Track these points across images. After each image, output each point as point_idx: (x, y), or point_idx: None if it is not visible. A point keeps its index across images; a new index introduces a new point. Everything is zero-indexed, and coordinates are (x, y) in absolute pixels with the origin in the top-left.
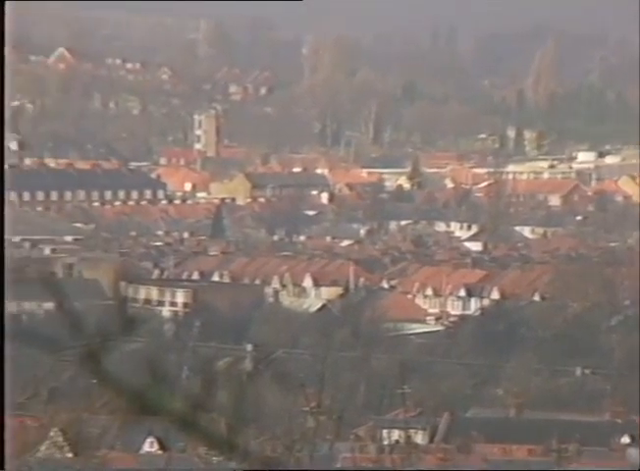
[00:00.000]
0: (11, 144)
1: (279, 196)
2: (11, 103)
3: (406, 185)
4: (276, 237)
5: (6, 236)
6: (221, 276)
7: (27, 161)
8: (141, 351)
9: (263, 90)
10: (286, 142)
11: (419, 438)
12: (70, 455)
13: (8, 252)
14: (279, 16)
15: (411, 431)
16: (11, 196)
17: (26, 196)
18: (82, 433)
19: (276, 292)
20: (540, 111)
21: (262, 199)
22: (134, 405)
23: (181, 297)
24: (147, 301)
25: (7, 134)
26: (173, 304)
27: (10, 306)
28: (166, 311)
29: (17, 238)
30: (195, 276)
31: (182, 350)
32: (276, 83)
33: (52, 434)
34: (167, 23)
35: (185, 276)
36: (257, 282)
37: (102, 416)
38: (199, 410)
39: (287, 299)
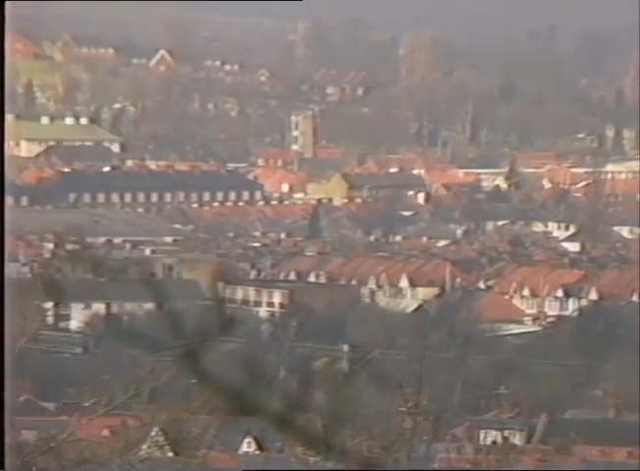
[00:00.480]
0: (113, 146)
1: (375, 197)
2: (113, 106)
3: (503, 186)
4: (372, 238)
5: (109, 237)
6: (317, 276)
7: (129, 163)
8: (239, 352)
9: (360, 91)
10: (382, 143)
11: (516, 438)
12: (170, 455)
13: (110, 253)
14: (375, 16)
15: (508, 432)
16: (113, 198)
17: (128, 198)
18: (182, 432)
19: (372, 293)
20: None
21: (359, 200)
22: (233, 405)
23: (277, 298)
24: (245, 302)
25: (109, 137)
26: (270, 305)
27: (112, 307)
28: (263, 311)
29: (118, 239)
30: (292, 276)
31: (279, 351)
32: (373, 84)
33: (153, 433)
34: (265, 24)
35: (281, 276)
36: (354, 282)
37: (201, 416)
38: (297, 410)
39: (383, 300)
